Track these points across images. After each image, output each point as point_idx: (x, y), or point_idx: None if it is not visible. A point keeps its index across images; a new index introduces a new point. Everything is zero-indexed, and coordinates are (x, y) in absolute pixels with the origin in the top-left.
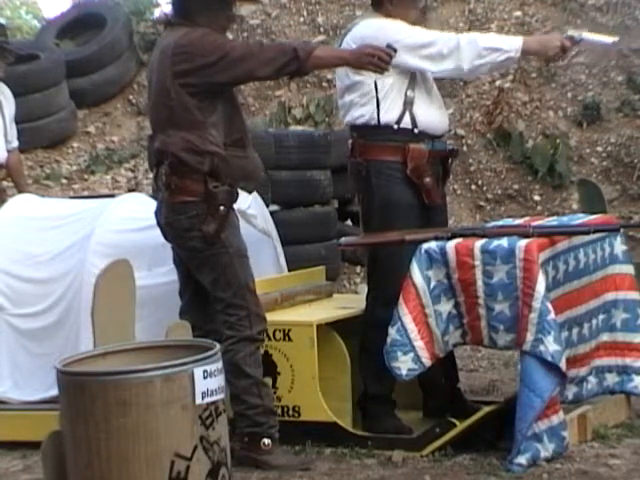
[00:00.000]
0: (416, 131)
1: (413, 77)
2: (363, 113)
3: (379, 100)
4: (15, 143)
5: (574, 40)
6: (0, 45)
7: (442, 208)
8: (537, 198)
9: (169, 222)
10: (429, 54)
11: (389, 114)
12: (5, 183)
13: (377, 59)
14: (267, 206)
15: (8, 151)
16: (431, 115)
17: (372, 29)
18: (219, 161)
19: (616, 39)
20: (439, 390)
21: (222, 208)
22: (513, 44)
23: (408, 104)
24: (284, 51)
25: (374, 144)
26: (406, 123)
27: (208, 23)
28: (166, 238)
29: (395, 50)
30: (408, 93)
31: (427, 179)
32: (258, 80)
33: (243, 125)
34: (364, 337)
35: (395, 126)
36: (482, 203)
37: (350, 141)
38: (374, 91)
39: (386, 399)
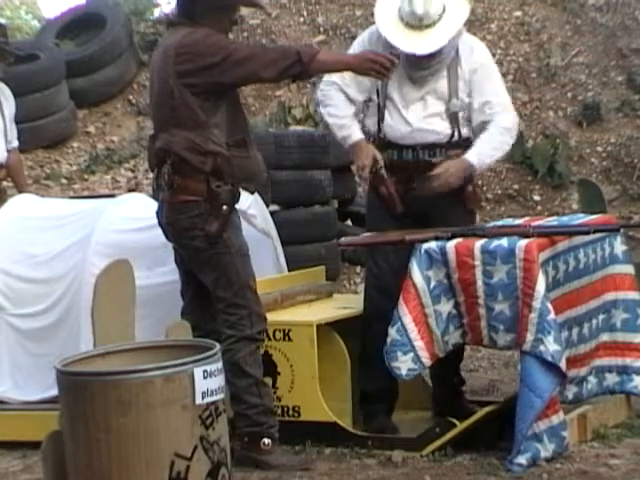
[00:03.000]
0: (385, 140)
1: (384, 86)
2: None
3: (380, 107)
4: (15, 143)
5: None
6: (0, 46)
7: (438, 218)
8: (537, 198)
9: (171, 222)
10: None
11: (371, 122)
12: (5, 183)
13: (379, 66)
14: (267, 206)
15: (8, 151)
16: (398, 125)
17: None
18: (222, 161)
19: None
20: (446, 391)
21: (224, 208)
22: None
23: (381, 114)
24: (287, 54)
25: None
26: (382, 132)
27: (211, 24)
28: (167, 238)
29: (398, 57)
30: (380, 102)
31: (382, 189)
32: (260, 82)
33: (246, 125)
34: (362, 337)
35: (375, 134)
36: (482, 203)
37: None
38: (376, 99)
39: (383, 398)
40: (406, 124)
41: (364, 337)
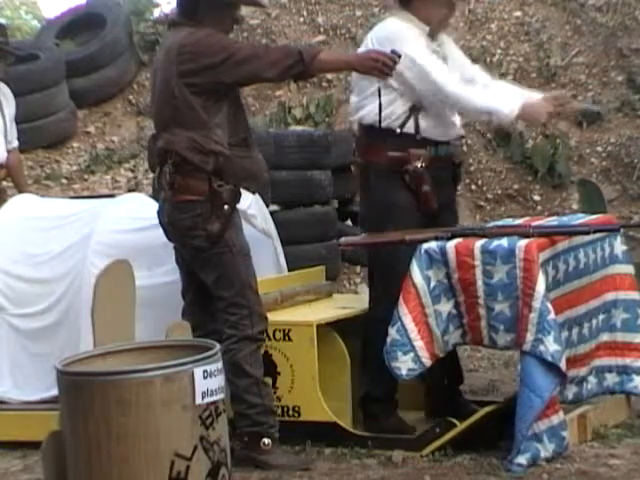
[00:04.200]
0: (418, 137)
1: None
2: (368, 113)
3: (381, 104)
4: (15, 143)
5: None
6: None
7: (449, 210)
8: (537, 198)
9: (172, 221)
10: (428, 83)
11: (394, 118)
12: (5, 183)
13: (381, 64)
14: (267, 206)
15: (8, 151)
16: (436, 121)
17: (388, 32)
18: (223, 161)
19: (599, 107)
20: (440, 390)
21: (226, 207)
22: (508, 116)
23: (415, 110)
24: (289, 54)
25: (376, 146)
26: (409, 128)
27: (213, 24)
28: (169, 237)
29: (399, 56)
30: (415, 98)
31: (425, 187)
32: (262, 82)
33: (247, 125)
34: (366, 337)
35: (398, 130)
36: (482, 203)
37: (355, 140)
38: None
39: (388, 399)
40: (446, 119)
41: (371, 339)
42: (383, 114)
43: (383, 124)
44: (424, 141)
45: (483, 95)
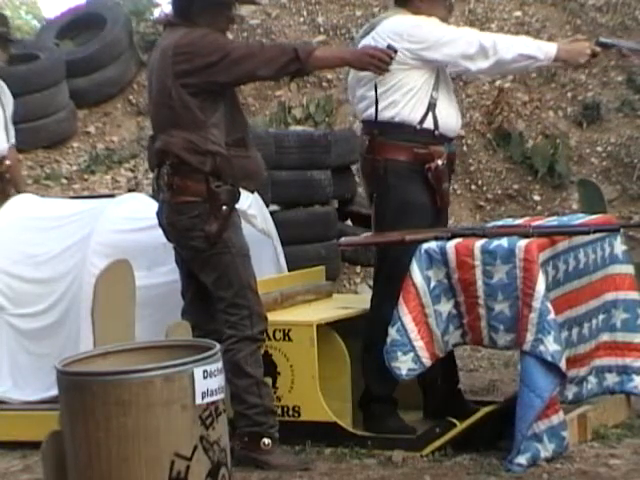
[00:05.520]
0: (437, 133)
1: (438, 77)
2: (383, 108)
3: (377, 99)
4: (13, 140)
5: (607, 46)
6: (1, 35)
7: (446, 208)
8: (537, 198)
9: (171, 222)
10: (468, 54)
11: (413, 114)
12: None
13: (377, 60)
14: (267, 206)
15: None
16: (450, 117)
17: (407, 26)
18: (221, 161)
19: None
20: (438, 391)
21: (224, 208)
22: (547, 53)
23: (432, 105)
24: (285, 51)
25: (394, 143)
26: (428, 124)
27: (208, 24)
28: (168, 238)
29: (395, 51)
30: (433, 94)
31: (445, 184)
32: (259, 80)
33: (245, 125)
34: (367, 338)
35: (417, 126)
36: (482, 203)
37: (367, 138)
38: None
39: (389, 399)
40: (457, 115)
41: (372, 339)
42: (402, 110)
43: (399, 119)
44: (441, 137)
45: (519, 41)
